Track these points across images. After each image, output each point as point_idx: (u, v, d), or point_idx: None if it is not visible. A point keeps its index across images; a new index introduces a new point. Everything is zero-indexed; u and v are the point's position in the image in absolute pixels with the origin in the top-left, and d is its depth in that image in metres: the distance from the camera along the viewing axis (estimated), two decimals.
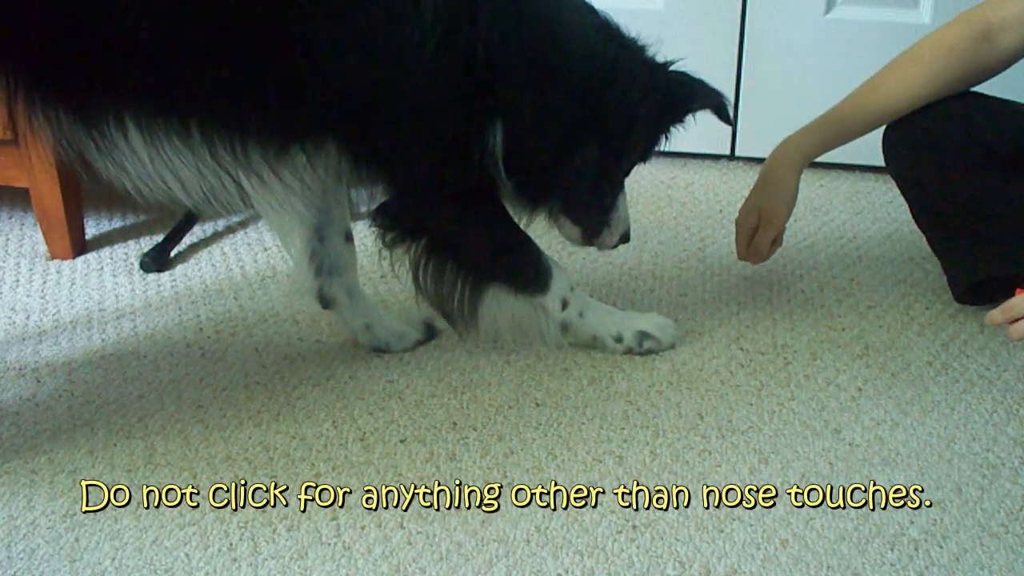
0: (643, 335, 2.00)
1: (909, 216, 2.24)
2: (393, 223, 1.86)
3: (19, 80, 1.55)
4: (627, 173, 2.00)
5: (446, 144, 1.74)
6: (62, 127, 1.58)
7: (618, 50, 1.84)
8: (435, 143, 1.74)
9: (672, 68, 1.91)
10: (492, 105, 1.73)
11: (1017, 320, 1.68)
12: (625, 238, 2.05)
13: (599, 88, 1.80)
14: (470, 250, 1.88)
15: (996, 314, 1.70)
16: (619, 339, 2.00)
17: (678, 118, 1.97)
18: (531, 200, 1.89)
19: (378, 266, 2.08)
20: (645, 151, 1.97)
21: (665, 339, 2.01)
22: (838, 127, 2.16)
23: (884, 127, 2.14)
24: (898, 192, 2.25)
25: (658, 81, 1.88)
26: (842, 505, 1.62)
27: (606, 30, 1.86)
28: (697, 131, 2.95)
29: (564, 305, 1.96)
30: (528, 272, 1.92)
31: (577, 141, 1.82)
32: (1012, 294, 1.71)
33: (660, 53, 1.91)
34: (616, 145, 1.87)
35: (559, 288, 1.94)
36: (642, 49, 1.89)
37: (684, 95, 1.93)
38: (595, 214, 1.98)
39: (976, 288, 2.10)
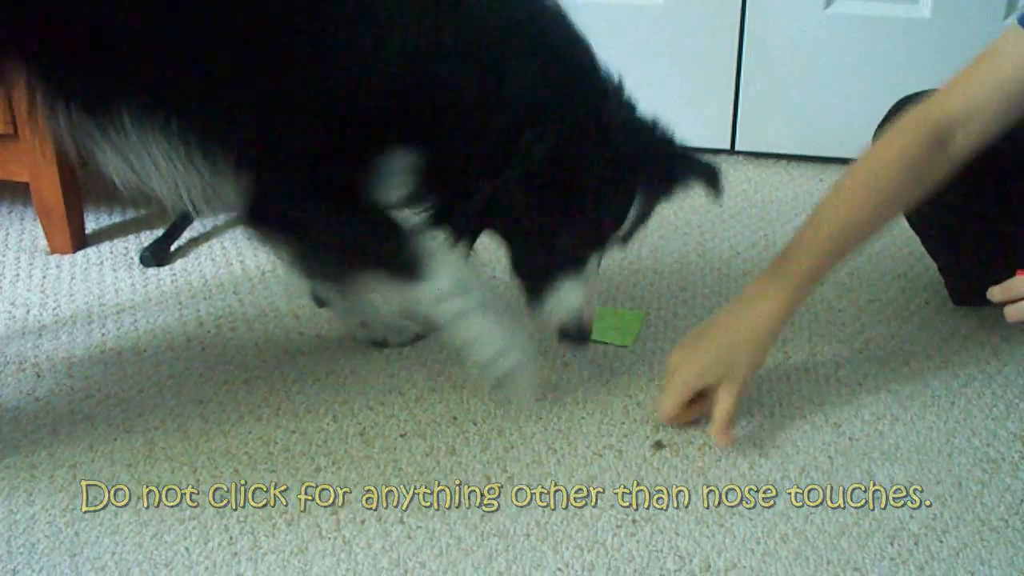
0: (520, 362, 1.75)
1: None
2: (271, 219, 1.69)
3: (33, 72, 1.56)
4: (592, 251, 1.71)
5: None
6: (72, 119, 1.58)
7: (618, 109, 1.64)
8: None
9: (661, 129, 1.68)
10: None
11: (1015, 300, 1.64)
12: (570, 332, 1.74)
13: (584, 163, 1.59)
14: (349, 239, 1.69)
15: (996, 291, 1.66)
16: (493, 356, 1.74)
17: (668, 192, 1.71)
18: (519, 272, 1.73)
19: None
20: (633, 226, 1.70)
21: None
22: (799, 280, 1.75)
23: (875, 128, 2.09)
24: None
25: (653, 150, 1.66)
26: (842, 500, 1.62)
27: (607, 83, 1.66)
28: (696, 125, 2.97)
29: (447, 295, 1.69)
30: (404, 258, 1.67)
31: (557, 213, 1.63)
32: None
33: (642, 108, 1.68)
34: (601, 220, 1.66)
35: (443, 278, 1.68)
36: (632, 107, 1.67)
37: (675, 169, 1.70)
38: (537, 282, 1.73)
39: (973, 291, 2.10)
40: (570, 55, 1.64)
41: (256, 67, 1.54)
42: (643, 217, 1.69)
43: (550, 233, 1.66)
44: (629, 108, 1.66)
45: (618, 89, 1.65)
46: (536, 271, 1.72)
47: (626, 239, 1.72)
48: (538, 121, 1.55)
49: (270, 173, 1.62)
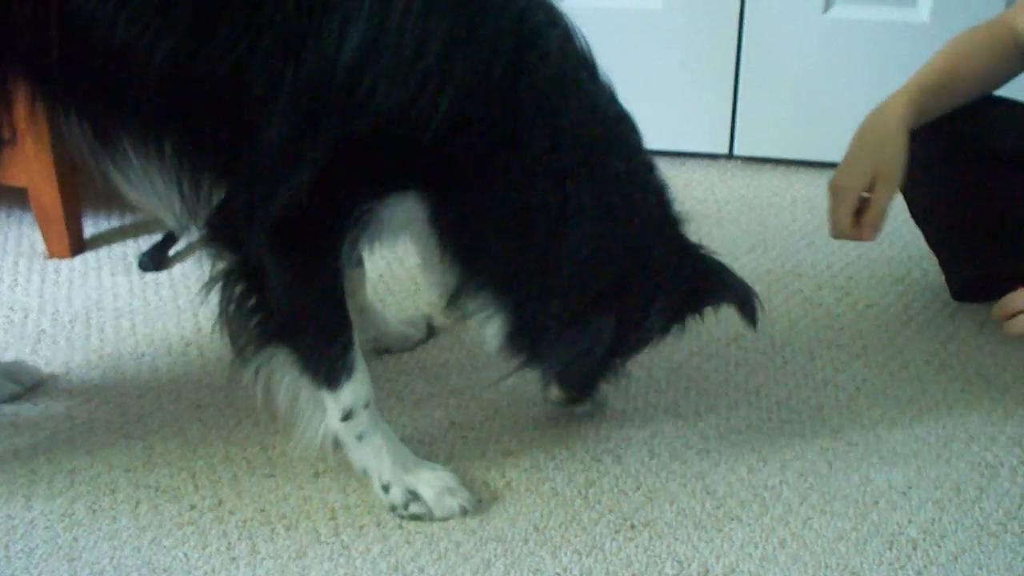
0: (413, 496, 1.61)
1: (907, 216, 2.23)
2: (222, 233, 1.57)
3: (55, 91, 1.56)
4: (632, 356, 1.74)
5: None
6: (88, 138, 1.57)
7: (660, 223, 1.63)
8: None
9: (701, 251, 1.67)
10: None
11: (1013, 315, 1.66)
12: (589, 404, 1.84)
13: (631, 260, 1.58)
14: (277, 301, 1.55)
15: (997, 309, 1.69)
16: (386, 488, 1.62)
17: (699, 309, 1.69)
18: (520, 347, 1.63)
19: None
20: (656, 337, 1.68)
21: (438, 510, 1.60)
22: (935, 90, 1.96)
23: None
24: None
25: (687, 266, 1.64)
26: (840, 505, 1.62)
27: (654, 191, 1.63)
28: (695, 130, 2.97)
29: (346, 416, 1.60)
30: (324, 357, 1.57)
31: (596, 307, 1.59)
32: (1009, 291, 1.70)
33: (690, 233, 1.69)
34: (632, 324, 1.63)
35: (349, 396, 1.59)
36: (676, 223, 1.66)
37: (711, 287, 1.67)
38: (587, 388, 1.78)
39: (973, 286, 2.10)
40: (609, 134, 1.57)
41: (250, 94, 1.45)
42: (676, 328, 1.70)
43: (627, 352, 1.70)
44: (673, 220, 1.66)
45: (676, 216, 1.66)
46: (596, 380, 1.75)
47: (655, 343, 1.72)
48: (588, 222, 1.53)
49: (248, 189, 1.51)
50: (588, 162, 1.51)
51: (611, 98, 1.56)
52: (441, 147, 1.43)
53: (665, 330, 1.67)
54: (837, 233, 1.87)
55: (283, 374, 1.59)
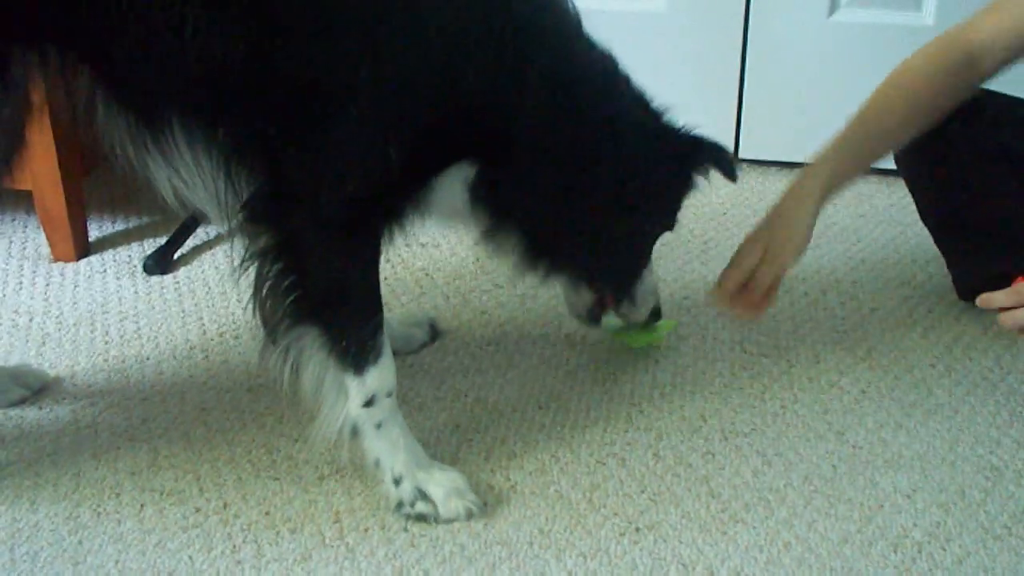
0: (422, 494, 1.62)
1: (913, 219, 2.24)
2: (266, 213, 1.58)
3: (95, 74, 1.55)
4: (652, 242, 1.88)
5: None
6: (131, 123, 1.57)
7: (635, 107, 1.76)
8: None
9: (669, 120, 1.80)
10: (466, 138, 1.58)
11: (1013, 308, 1.64)
12: (656, 314, 1.94)
13: (624, 152, 1.70)
14: (316, 279, 1.57)
15: (998, 297, 1.66)
16: (397, 481, 1.62)
17: (692, 181, 1.84)
18: (535, 254, 1.72)
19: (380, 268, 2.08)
20: (670, 218, 1.86)
21: (445, 511, 1.60)
22: (853, 153, 1.94)
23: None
24: (902, 195, 2.25)
25: (670, 143, 1.79)
26: (845, 508, 1.61)
27: (621, 80, 1.76)
28: (699, 132, 2.96)
29: (368, 402, 1.61)
30: (354, 338, 1.59)
31: (609, 201, 1.71)
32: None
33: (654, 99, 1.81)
34: (646, 209, 1.79)
35: (374, 381, 1.60)
36: (647, 103, 1.79)
37: (693, 155, 1.82)
38: (624, 281, 1.87)
39: (980, 286, 2.10)
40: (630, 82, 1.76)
41: (307, 77, 1.49)
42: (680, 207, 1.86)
43: (632, 236, 1.82)
44: (655, 111, 1.79)
45: (638, 91, 1.78)
46: (631, 271, 1.86)
47: (673, 226, 1.88)
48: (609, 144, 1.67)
49: (317, 174, 1.53)
50: (595, 112, 1.66)
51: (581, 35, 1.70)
52: (494, 123, 1.55)
53: (673, 207, 1.85)
54: (716, 299, 1.89)
55: (311, 355, 1.59)
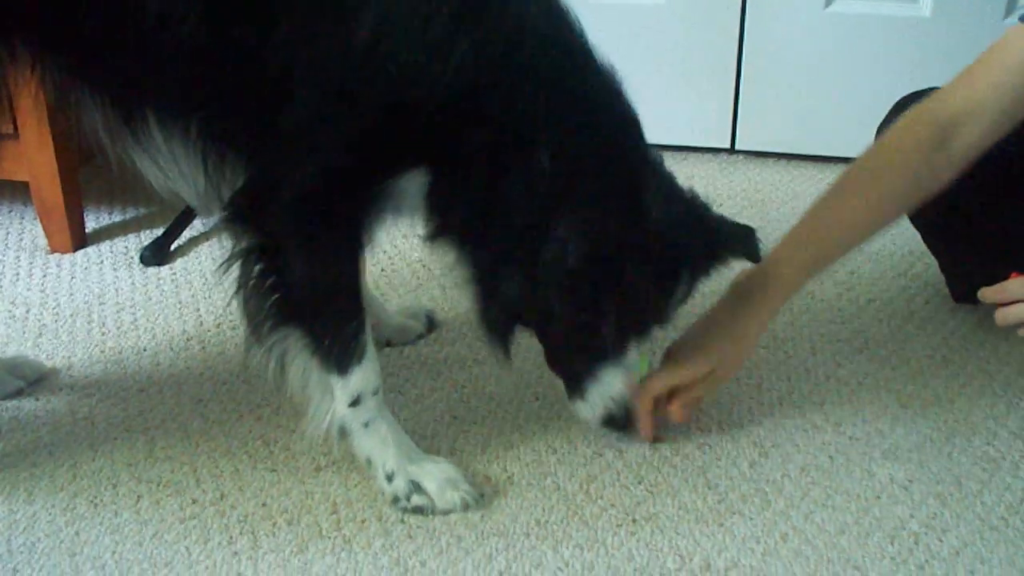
0: (416, 487, 1.61)
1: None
2: (244, 213, 1.57)
3: (74, 68, 1.56)
4: (634, 339, 1.64)
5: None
6: (107, 117, 1.58)
7: (657, 186, 1.57)
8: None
9: (698, 201, 1.62)
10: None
11: (1009, 303, 1.63)
12: (612, 422, 1.67)
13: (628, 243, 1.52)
14: (295, 281, 1.55)
15: (988, 292, 1.64)
16: (390, 477, 1.62)
17: (708, 271, 1.66)
18: (485, 303, 1.60)
19: (377, 259, 2.09)
20: (658, 313, 1.64)
21: (441, 502, 1.59)
22: (783, 290, 1.76)
23: (877, 128, 2.08)
24: None
25: (694, 227, 1.59)
26: (842, 499, 1.62)
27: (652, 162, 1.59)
28: (696, 124, 2.97)
29: (354, 402, 1.60)
30: (336, 340, 1.58)
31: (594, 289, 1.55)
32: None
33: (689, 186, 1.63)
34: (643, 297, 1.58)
35: (358, 381, 1.60)
36: (669, 178, 1.61)
37: (719, 243, 1.64)
38: (571, 368, 1.67)
39: (974, 290, 2.10)
40: (610, 122, 1.56)
41: (278, 71, 1.46)
42: (685, 298, 1.64)
43: (588, 326, 1.58)
44: (667, 180, 1.60)
45: (654, 158, 1.59)
46: (575, 363, 1.65)
47: (667, 321, 1.66)
48: (572, 208, 1.49)
49: (271, 169, 1.53)
50: (582, 144, 1.51)
51: (601, 71, 1.56)
52: (450, 119, 1.46)
53: (683, 300, 1.63)
54: (644, 393, 1.69)
55: (295, 356, 1.59)
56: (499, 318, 1.60)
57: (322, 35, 1.42)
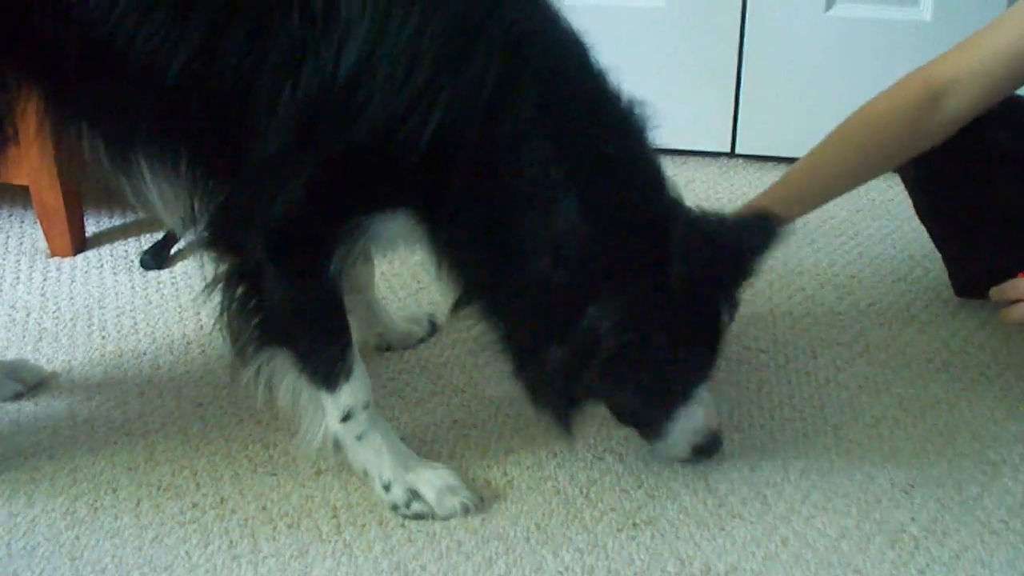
0: (414, 495, 1.61)
1: (909, 214, 2.24)
2: (223, 237, 1.57)
3: (69, 107, 1.57)
4: (697, 379, 1.61)
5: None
6: (96, 149, 1.59)
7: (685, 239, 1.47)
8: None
9: (724, 224, 1.55)
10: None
11: (1014, 302, 1.65)
12: (706, 449, 1.66)
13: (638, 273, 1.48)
14: (276, 304, 1.55)
15: (995, 291, 1.68)
16: (387, 487, 1.62)
17: (744, 272, 1.57)
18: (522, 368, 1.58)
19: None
20: (712, 352, 1.60)
21: (440, 509, 1.59)
22: (785, 207, 1.79)
23: None
24: (898, 190, 2.25)
25: (726, 262, 1.53)
26: (842, 503, 1.62)
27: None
28: (697, 128, 2.96)
29: (346, 417, 1.61)
30: (322, 360, 1.59)
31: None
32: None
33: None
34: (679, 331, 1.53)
35: (348, 397, 1.60)
36: (696, 219, 1.53)
37: (747, 256, 1.55)
38: (645, 415, 1.65)
39: (976, 282, 2.10)
40: (633, 171, 1.51)
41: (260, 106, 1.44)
42: (731, 320, 1.59)
43: (645, 390, 1.59)
44: (694, 223, 1.52)
45: (679, 204, 1.54)
46: (643, 418, 1.65)
47: (720, 351, 1.61)
48: (604, 283, 1.45)
49: (248, 196, 1.50)
50: (579, 186, 1.45)
51: (610, 107, 1.50)
52: (430, 167, 1.41)
53: (730, 323, 1.59)
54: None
55: (283, 375, 1.60)
56: (550, 394, 1.56)
57: (305, 69, 1.39)
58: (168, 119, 1.52)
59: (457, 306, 1.59)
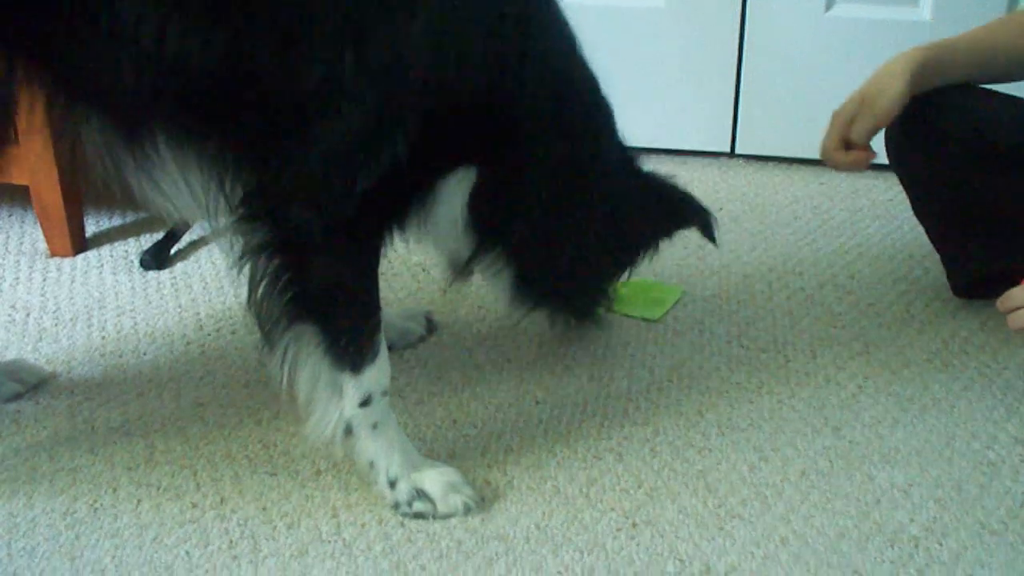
0: (419, 493, 1.60)
1: (909, 214, 2.24)
2: (264, 209, 1.54)
3: (74, 91, 1.54)
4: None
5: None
6: (107, 139, 1.55)
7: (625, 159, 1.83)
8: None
9: (664, 181, 1.90)
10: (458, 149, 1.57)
11: (1015, 309, 1.67)
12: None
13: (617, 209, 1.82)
14: (315, 277, 1.54)
15: (1000, 303, 1.70)
16: (392, 483, 1.61)
17: (670, 232, 1.98)
18: (522, 283, 1.82)
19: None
20: (638, 259, 1.98)
21: (443, 507, 1.60)
22: (950, 53, 2.04)
23: (885, 134, 2.11)
24: (898, 190, 2.25)
25: (662, 190, 1.89)
26: (842, 503, 1.62)
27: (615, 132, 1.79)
28: (696, 128, 2.97)
29: (365, 402, 1.59)
30: (353, 336, 1.58)
31: (598, 233, 1.81)
32: (1013, 284, 1.70)
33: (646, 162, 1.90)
34: (619, 256, 1.93)
35: (371, 381, 1.59)
36: (633, 160, 1.86)
37: (678, 213, 1.94)
38: (588, 311, 2.03)
39: (975, 283, 2.10)
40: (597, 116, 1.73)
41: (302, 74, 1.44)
42: (649, 250, 1.96)
43: (606, 271, 1.95)
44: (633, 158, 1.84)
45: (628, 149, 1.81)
46: (587, 302, 1.99)
47: (633, 265, 1.97)
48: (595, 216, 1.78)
49: (315, 175, 1.49)
50: (591, 138, 1.70)
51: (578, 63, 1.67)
52: (496, 121, 1.55)
53: (645, 251, 1.95)
54: (822, 154, 2.04)
55: (308, 354, 1.57)
56: (572, 292, 1.93)
57: (367, 39, 1.40)
58: (198, 100, 1.49)
59: (473, 259, 1.74)
